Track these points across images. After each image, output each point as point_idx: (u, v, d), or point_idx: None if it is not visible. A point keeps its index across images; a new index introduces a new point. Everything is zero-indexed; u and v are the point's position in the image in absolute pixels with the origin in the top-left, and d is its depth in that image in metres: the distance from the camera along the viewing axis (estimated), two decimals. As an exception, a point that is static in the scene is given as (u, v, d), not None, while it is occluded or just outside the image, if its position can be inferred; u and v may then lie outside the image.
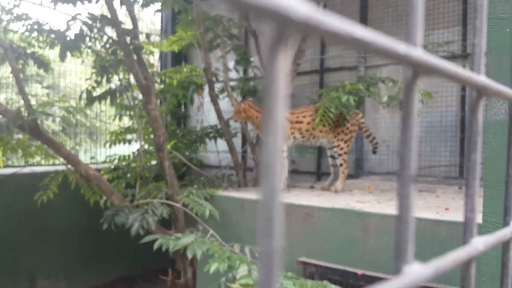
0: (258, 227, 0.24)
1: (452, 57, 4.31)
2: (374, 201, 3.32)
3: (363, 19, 5.13)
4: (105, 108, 6.34)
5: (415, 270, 0.33)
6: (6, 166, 5.07)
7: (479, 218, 2.79)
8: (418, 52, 0.31)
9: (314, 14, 0.23)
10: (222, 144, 5.63)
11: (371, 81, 3.79)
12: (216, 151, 5.79)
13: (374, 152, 4.23)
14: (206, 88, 5.28)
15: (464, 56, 4.40)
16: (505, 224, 0.55)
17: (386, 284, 0.27)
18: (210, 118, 6.10)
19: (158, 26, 7.17)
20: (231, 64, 5.40)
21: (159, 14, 6.65)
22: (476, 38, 0.45)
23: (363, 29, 0.27)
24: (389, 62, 4.87)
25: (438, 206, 3.10)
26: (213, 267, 2.72)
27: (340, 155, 3.94)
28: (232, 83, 5.36)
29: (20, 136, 4.24)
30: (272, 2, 0.22)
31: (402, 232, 0.33)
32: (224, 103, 5.72)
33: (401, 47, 0.30)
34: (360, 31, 0.26)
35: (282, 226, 0.25)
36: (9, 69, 5.07)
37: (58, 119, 3.68)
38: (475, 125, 0.46)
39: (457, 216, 2.71)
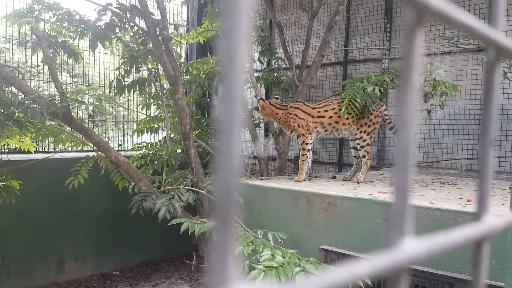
0: (396, 162, 0.34)
1: (478, 50, 4.30)
2: (396, 192, 3.36)
3: (388, 11, 5.13)
4: (132, 97, 6.50)
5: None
6: (36, 152, 5.26)
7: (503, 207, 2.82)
8: (502, 38, 0.41)
9: (445, 5, 0.34)
10: (245, 133, 5.73)
11: (396, 73, 3.82)
12: (239, 141, 5.89)
13: None
14: (231, 78, 5.36)
15: (489, 50, 4.38)
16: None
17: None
18: (240, 115, 6.19)
19: (185, 17, 7.27)
20: (255, 55, 5.47)
21: (186, 5, 6.75)
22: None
23: (470, 18, 0.37)
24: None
25: (460, 198, 3.13)
26: (237, 250, 2.83)
27: (362, 146, 3.99)
28: (256, 74, 5.44)
29: (52, 122, 4.40)
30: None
31: (483, 186, 0.43)
32: (248, 94, 5.81)
33: (492, 33, 0.39)
34: (468, 19, 0.36)
35: (413, 161, 0.34)
36: (39, 58, 5.24)
37: (90, 107, 3.80)
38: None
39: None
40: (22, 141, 4.54)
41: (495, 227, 0.42)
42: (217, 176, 0.24)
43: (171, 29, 4.82)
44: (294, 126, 4.05)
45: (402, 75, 0.34)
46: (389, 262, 0.31)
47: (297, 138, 4.13)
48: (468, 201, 3.03)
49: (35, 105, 3.90)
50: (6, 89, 4.38)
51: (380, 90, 3.64)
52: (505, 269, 2.25)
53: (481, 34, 0.38)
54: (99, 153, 4.44)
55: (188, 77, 5.26)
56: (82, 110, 4.41)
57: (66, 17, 4.62)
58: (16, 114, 4.03)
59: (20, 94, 4.16)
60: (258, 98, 4.39)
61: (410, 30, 0.33)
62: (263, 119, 4.36)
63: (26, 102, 3.88)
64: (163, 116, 5.12)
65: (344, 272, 0.28)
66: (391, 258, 0.31)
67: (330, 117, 4.01)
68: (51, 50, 4.48)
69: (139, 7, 4.35)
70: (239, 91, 0.25)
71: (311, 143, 4.06)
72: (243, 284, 0.24)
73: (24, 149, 4.72)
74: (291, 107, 4.13)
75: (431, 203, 2.86)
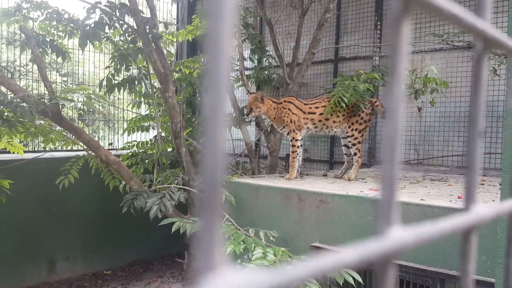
0: (383, 152, 0.34)
1: (468, 47, 4.32)
2: (387, 189, 3.37)
3: (379, 9, 5.14)
4: (122, 96, 6.46)
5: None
6: (25, 151, 5.20)
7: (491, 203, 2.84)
8: (489, 28, 0.41)
9: None
10: (236, 132, 5.72)
11: (386, 70, 3.83)
12: (230, 139, 5.87)
13: None
14: (222, 76, 5.33)
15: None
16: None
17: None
18: (225, 107, 6.17)
19: (174, 15, 7.23)
20: (246, 53, 5.46)
21: (176, 3, 6.71)
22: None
23: (457, 8, 0.36)
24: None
25: (451, 195, 3.15)
26: (229, 249, 2.82)
27: (354, 144, 3.99)
28: (247, 72, 5.42)
29: (42, 122, 4.36)
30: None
31: (471, 177, 0.45)
32: (239, 92, 5.79)
33: (479, 23, 0.39)
34: (455, 9, 0.36)
35: (400, 153, 0.35)
36: (28, 57, 5.19)
37: (79, 105, 3.77)
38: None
39: (469, 204, 2.75)
40: (11, 144, 4.48)
41: (483, 217, 0.42)
42: (202, 165, 0.25)
43: (161, 27, 4.79)
44: (287, 122, 4.03)
45: (388, 65, 0.34)
46: (377, 250, 0.31)
47: (287, 134, 4.12)
48: (459, 197, 3.04)
49: (24, 104, 3.86)
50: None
51: (369, 87, 3.64)
52: (495, 265, 2.26)
53: (468, 25, 0.38)
54: (89, 152, 4.40)
55: (178, 74, 5.23)
56: (72, 108, 4.39)
57: (55, 16, 4.57)
58: (6, 114, 3.99)
59: (9, 93, 4.12)
60: (257, 93, 4.23)
61: (396, 19, 0.33)
62: (252, 114, 4.11)
63: (15, 101, 3.84)
64: (153, 114, 5.10)
65: (332, 259, 0.28)
66: (378, 246, 0.31)
67: (321, 114, 4.01)
68: (39, 49, 4.43)
69: (128, 5, 4.32)
70: (224, 84, 0.25)
71: (300, 140, 4.05)
72: (229, 269, 0.25)
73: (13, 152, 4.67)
74: (284, 101, 4.11)
75: (422, 200, 2.87)
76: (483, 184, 3.75)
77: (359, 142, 3.99)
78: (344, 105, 3.72)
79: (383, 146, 0.34)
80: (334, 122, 4.00)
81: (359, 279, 2.57)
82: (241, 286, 0.24)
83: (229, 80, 0.25)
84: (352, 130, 3.99)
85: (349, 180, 3.92)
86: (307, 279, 0.27)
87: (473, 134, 0.44)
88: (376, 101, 4.08)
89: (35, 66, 4.49)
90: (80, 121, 6.53)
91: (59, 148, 5.48)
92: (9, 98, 3.88)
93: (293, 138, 4.04)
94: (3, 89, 4.28)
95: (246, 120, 5.23)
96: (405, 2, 0.33)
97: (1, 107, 3.87)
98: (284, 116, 4.03)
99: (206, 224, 0.25)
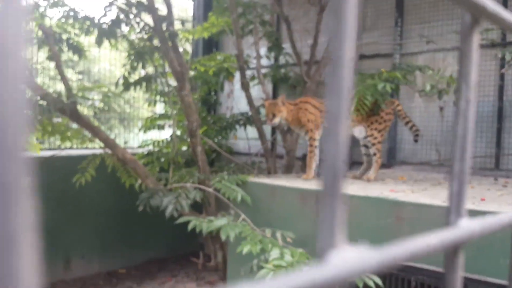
0: (454, 153, 0.39)
1: (491, 45, 4.20)
2: (408, 191, 3.30)
3: (399, 5, 5.03)
4: (137, 94, 6.45)
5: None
6: (41, 150, 5.21)
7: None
8: None
9: (498, 7, 0.37)
10: (251, 131, 5.66)
11: (408, 69, 3.73)
12: (245, 138, 5.82)
13: (416, 141, 4.02)
14: (237, 75, 5.28)
15: (503, 45, 4.27)
16: None
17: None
18: (240, 105, 6.13)
19: (190, 12, 7.20)
20: (262, 50, 5.39)
21: (191, 0, 6.68)
22: None
23: None
24: (425, 50, 4.78)
25: (474, 197, 3.06)
26: (246, 249, 2.77)
27: (373, 144, 3.91)
28: (262, 70, 5.36)
29: (59, 119, 4.36)
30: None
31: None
32: (255, 90, 5.73)
33: None
34: None
35: (470, 152, 0.40)
36: (44, 54, 5.20)
37: (97, 103, 3.77)
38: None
39: (493, 206, 2.67)
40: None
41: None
42: (326, 157, 0.29)
43: (177, 24, 4.76)
44: (304, 121, 3.96)
45: (459, 72, 0.38)
46: (451, 237, 0.37)
47: (305, 134, 4.04)
48: (482, 200, 2.95)
49: (43, 102, 3.87)
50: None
51: (390, 87, 3.54)
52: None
53: None
54: (106, 150, 4.40)
55: (194, 73, 5.18)
56: (87, 106, 4.38)
57: (72, 14, 4.58)
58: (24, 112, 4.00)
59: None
60: (279, 97, 4.08)
61: (467, 31, 0.37)
62: (275, 120, 3.94)
63: (34, 99, 3.86)
64: (169, 113, 5.07)
65: (420, 242, 0.33)
66: (452, 234, 0.37)
67: None
68: (56, 47, 4.45)
69: (145, 2, 4.29)
70: (347, 85, 0.29)
71: (318, 139, 3.99)
72: (347, 246, 0.29)
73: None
74: (300, 102, 4.04)
75: (443, 202, 2.79)
76: (506, 186, 3.65)
77: (379, 142, 3.91)
78: (367, 102, 3.62)
79: (454, 145, 0.40)
80: (352, 121, 3.92)
81: (380, 282, 2.50)
82: (357, 260, 0.29)
83: (351, 83, 0.29)
84: (371, 129, 3.90)
85: (368, 181, 3.83)
86: (407, 258, 0.32)
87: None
88: (398, 104, 3.98)
89: (51, 64, 4.49)
90: (95, 119, 6.54)
91: (75, 146, 5.49)
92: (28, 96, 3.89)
93: (311, 137, 3.96)
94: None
95: (263, 119, 5.14)
96: (474, 15, 0.36)
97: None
98: (301, 116, 3.96)
99: (329, 207, 0.29)
